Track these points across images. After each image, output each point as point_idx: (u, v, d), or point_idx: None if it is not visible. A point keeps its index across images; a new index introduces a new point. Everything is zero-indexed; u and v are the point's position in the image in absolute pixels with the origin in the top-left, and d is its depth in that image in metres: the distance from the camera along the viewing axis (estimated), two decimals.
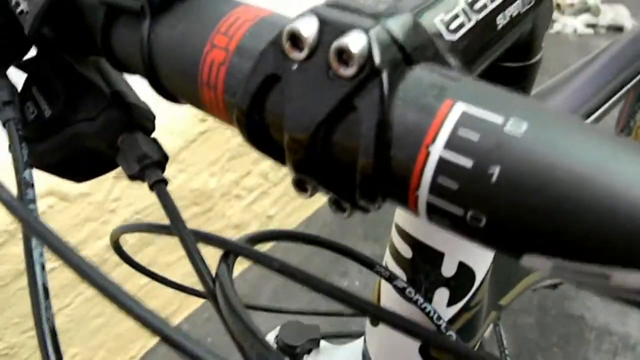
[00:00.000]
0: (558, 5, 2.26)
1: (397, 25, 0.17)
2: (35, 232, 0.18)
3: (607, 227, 0.13)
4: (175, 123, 1.12)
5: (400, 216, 0.34)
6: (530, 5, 0.23)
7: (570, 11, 2.23)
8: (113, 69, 0.26)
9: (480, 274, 0.34)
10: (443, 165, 0.15)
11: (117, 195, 1.09)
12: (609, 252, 0.14)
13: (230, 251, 0.23)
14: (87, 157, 0.27)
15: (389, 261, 0.35)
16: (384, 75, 0.16)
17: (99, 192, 1.06)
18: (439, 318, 0.34)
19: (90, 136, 0.25)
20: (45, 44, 0.24)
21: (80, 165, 0.28)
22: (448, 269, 0.33)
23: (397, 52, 0.16)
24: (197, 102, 0.21)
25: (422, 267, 0.33)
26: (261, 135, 0.20)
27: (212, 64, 0.19)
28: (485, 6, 0.21)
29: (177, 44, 0.20)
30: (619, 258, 0.13)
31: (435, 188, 0.16)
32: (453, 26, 0.19)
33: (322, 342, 0.49)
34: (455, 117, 0.15)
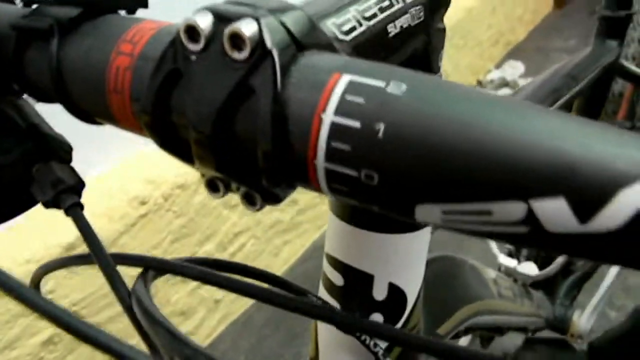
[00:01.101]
0: (479, 82, 2.43)
1: (288, 17, 0.18)
2: None
3: (485, 165, 0.15)
4: (113, 207, 1.10)
5: (330, 244, 0.34)
6: (420, 20, 0.25)
7: (491, 87, 2.39)
8: (27, 105, 0.27)
9: (411, 295, 0.34)
10: (335, 130, 0.16)
11: (52, 287, 1.05)
12: (488, 188, 0.15)
13: (149, 267, 0.23)
14: (1, 196, 0.26)
15: (322, 293, 0.35)
16: (276, 56, 0.17)
17: None
18: (376, 345, 0.33)
19: (5, 168, 0.25)
20: None
21: None
22: (379, 292, 0.33)
23: (288, 38, 0.18)
24: (107, 114, 0.21)
25: (354, 293, 0.34)
26: (170, 137, 0.20)
27: (118, 70, 0.20)
28: (375, 15, 0.23)
29: (84, 57, 0.21)
30: (497, 192, 0.15)
31: (330, 153, 0.17)
32: (345, 28, 0.21)
33: None
34: (342, 86, 0.17)
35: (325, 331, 0.36)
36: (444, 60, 0.29)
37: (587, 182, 0.14)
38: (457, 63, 2.28)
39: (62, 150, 0.26)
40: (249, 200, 0.20)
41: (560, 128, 0.14)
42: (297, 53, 0.18)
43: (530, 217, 0.14)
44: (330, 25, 0.21)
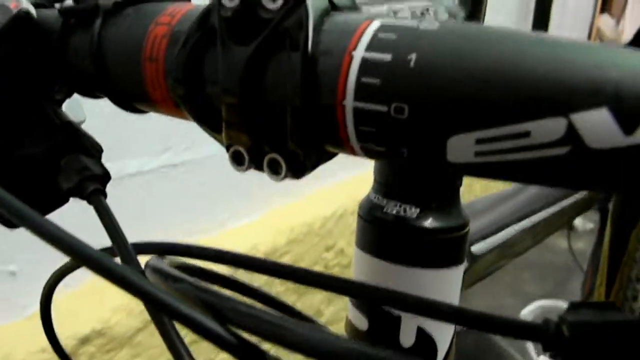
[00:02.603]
0: None
1: None
2: None
3: (521, 82, 0.14)
4: (132, 301, 1.08)
5: None
6: None
7: None
8: (65, 113, 0.28)
9: (442, 344, 0.31)
10: (365, 65, 0.16)
11: None
12: (526, 106, 0.14)
13: (165, 251, 0.22)
14: (29, 193, 0.26)
15: None
16: (309, 5, 0.17)
17: None
18: None
19: (35, 157, 0.25)
20: (4, 66, 0.25)
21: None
22: (407, 337, 0.30)
23: None
24: (142, 91, 0.22)
25: (380, 338, 0.31)
26: (201, 105, 0.20)
27: (155, 39, 0.21)
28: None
29: (124, 32, 0.22)
30: (535, 109, 0.14)
31: (359, 90, 0.16)
32: None
33: None
34: (375, 27, 0.17)
35: None
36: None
37: (630, 88, 0.13)
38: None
39: (92, 148, 0.26)
40: (273, 170, 0.19)
41: (595, 44, 0.14)
42: (330, 10, 0.18)
43: (571, 134, 0.13)
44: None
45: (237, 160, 0.20)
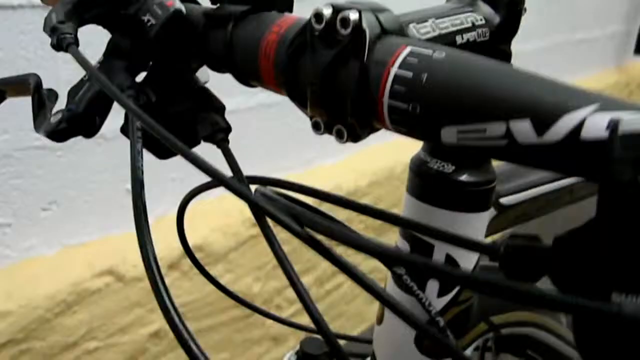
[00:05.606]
0: None
1: (381, 13, 0.28)
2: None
3: (484, 100, 0.23)
4: (229, 224, 1.24)
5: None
6: (485, 39, 0.34)
7: None
8: (198, 79, 0.39)
9: (465, 268, 0.41)
10: (397, 78, 0.26)
11: (168, 284, 1.18)
12: (485, 113, 0.23)
13: (268, 183, 0.33)
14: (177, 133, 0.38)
15: None
16: (367, 34, 0.27)
17: None
18: (430, 305, 0.40)
19: (180, 113, 0.37)
20: (163, 47, 0.37)
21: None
22: (437, 260, 0.40)
23: (378, 25, 0.28)
24: (257, 76, 0.32)
25: None
26: (296, 90, 0.31)
27: (268, 42, 0.31)
28: (447, 27, 0.32)
29: (249, 34, 0.33)
30: (489, 116, 0.23)
31: (392, 93, 0.26)
32: (422, 31, 0.31)
33: None
34: (406, 52, 0.26)
35: (390, 286, 0.44)
36: None
37: (543, 108, 0.22)
38: None
39: (219, 107, 0.38)
40: (339, 135, 0.30)
41: (532, 79, 0.23)
42: (382, 34, 0.28)
43: (508, 133, 0.22)
44: (412, 28, 0.30)
45: (316, 127, 0.31)
